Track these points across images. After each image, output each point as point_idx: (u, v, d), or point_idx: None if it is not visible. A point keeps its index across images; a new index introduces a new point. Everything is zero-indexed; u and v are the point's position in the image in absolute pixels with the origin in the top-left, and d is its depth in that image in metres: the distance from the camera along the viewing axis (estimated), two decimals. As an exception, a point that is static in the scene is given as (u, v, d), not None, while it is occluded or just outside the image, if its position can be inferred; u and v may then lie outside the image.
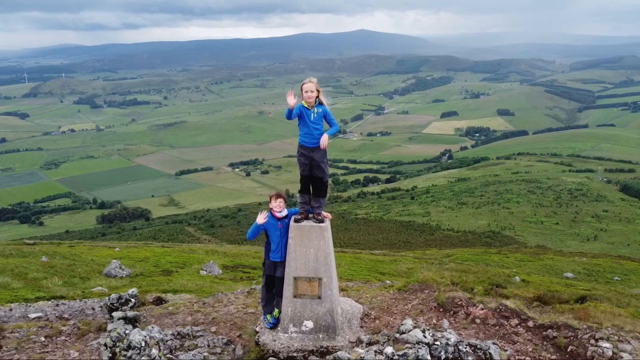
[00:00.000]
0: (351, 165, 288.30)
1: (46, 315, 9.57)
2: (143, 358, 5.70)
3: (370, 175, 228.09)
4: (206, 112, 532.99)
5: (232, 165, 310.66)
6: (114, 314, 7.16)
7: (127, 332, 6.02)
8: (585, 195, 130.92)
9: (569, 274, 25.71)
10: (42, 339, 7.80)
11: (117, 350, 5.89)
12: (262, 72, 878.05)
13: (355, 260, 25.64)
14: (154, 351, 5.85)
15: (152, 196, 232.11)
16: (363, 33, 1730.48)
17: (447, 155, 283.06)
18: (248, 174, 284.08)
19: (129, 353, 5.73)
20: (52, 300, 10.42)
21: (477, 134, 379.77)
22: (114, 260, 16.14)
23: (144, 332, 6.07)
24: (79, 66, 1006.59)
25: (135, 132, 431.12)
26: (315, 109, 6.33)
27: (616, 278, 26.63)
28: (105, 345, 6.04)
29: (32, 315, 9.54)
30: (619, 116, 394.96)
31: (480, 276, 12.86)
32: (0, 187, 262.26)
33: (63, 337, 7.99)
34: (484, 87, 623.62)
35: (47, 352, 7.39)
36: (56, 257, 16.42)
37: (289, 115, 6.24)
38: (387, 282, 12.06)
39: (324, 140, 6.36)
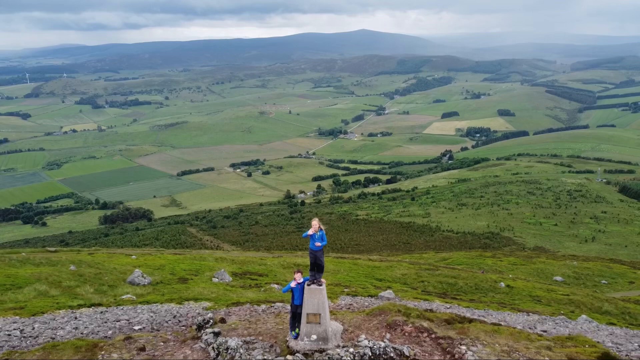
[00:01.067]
0: (352, 166, 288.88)
1: (144, 327, 12.93)
2: (236, 355, 10.31)
3: (371, 176, 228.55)
4: (207, 113, 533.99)
5: (233, 165, 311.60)
6: (207, 329, 11.91)
7: (224, 339, 10.89)
8: (585, 197, 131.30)
9: (559, 278, 26.56)
10: (161, 343, 11.24)
11: (220, 350, 10.58)
12: (263, 72, 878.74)
13: (353, 267, 26.83)
14: (242, 350, 10.50)
15: (154, 197, 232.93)
16: (364, 33, 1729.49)
17: (447, 155, 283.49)
18: (249, 175, 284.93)
19: (229, 351, 10.41)
20: (92, 307, 12.23)
21: (478, 135, 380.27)
22: (136, 270, 17.53)
23: (235, 339, 10.85)
24: (81, 66, 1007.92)
25: (136, 133, 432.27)
26: (318, 233, 11.18)
27: (604, 281, 27.46)
28: (212, 347, 10.73)
29: (137, 327, 12.96)
30: (619, 117, 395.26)
31: (469, 282, 13.75)
32: (2, 188, 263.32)
33: (172, 343, 11.53)
34: (484, 87, 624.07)
35: (169, 351, 10.92)
36: (82, 265, 17.66)
37: (306, 236, 11.28)
38: (366, 306, 16.30)
39: (319, 248, 11.34)
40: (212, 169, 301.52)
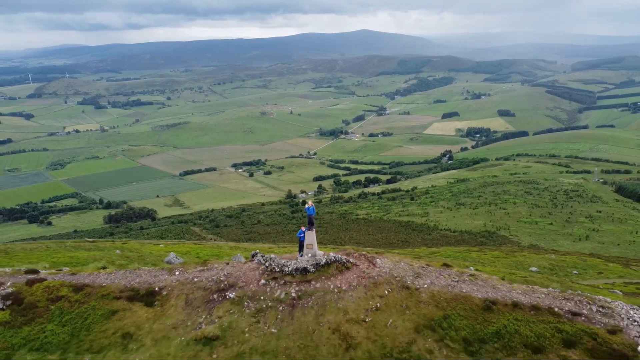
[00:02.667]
0: (352, 166, 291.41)
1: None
2: (274, 262, 17.89)
3: (372, 176, 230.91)
4: (209, 113, 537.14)
5: (235, 165, 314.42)
6: (257, 255, 20.09)
7: (269, 256, 19.11)
8: (581, 196, 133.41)
9: (534, 268, 29.03)
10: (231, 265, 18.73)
11: (267, 260, 18.09)
12: (264, 72, 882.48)
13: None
14: (277, 260, 18.38)
15: (157, 196, 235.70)
16: (365, 33, 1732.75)
17: (447, 156, 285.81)
18: (251, 175, 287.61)
19: (271, 260, 18.33)
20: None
21: (478, 135, 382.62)
22: (171, 252, 21.10)
23: (273, 255, 19.15)
24: (82, 66, 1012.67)
25: (139, 133, 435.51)
26: (312, 206, 20.37)
27: (575, 272, 29.86)
28: (262, 260, 18.38)
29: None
30: (619, 117, 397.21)
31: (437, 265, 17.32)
32: (7, 188, 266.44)
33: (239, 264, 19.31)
34: (485, 87, 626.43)
35: (239, 267, 17.73)
36: (125, 250, 20.78)
37: (306, 209, 20.63)
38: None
39: (312, 213, 20.56)
40: (214, 169, 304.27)
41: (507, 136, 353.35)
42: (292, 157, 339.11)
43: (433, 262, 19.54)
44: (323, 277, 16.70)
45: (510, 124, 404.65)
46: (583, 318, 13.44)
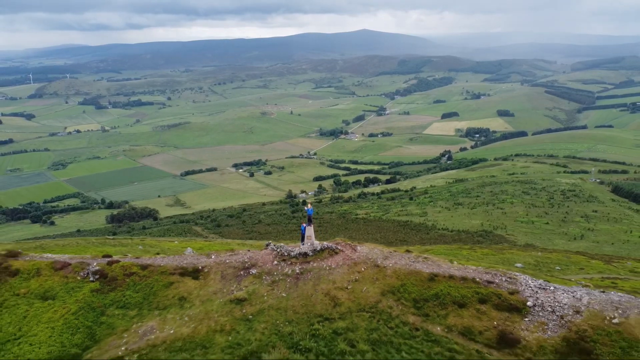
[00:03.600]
0: (352, 166, 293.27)
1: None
2: (284, 248, 23.14)
3: (371, 176, 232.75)
4: (209, 113, 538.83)
5: (235, 165, 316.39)
6: (270, 244, 24.87)
7: (280, 244, 24.48)
8: (578, 196, 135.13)
9: (519, 264, 30.81)
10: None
11: (278, 248, 23.59)
12: (264, 72, 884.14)
13: None
14: (286, 247, 23.95)
15: (159, 196, 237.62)
16: (365, 33, 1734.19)
17: (446, 156, 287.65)
18: (252, 175, 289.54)
19: (282, 247, 23.84)
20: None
21: (477, 135, 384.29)
22: (188, 248, 24.02)
23: (282, 244, 24.90)
24: (83, 66, 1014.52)
25: (140, 133, 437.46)
26: (311, 208, 25.80)
27: (558, 268, 31.62)
28: (275, 247, 23.75)
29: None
30: (617, 117, 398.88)
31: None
32: (10, 188, 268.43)
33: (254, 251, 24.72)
34: (485, 87, 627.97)
35: (254, 253, 23.47)
36: (145, 246, 23.15)
37: (306, 209, 26.24)
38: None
39: (311, 212, 26.16)
40: (214, 169, 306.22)
41: (506, 136, 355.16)
42: (292, 157, 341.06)
43: (400, 249, 25.78)
44: (318, 259, 22.22)
45: (510, 124, 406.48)
46: (494, 285, 19.43)
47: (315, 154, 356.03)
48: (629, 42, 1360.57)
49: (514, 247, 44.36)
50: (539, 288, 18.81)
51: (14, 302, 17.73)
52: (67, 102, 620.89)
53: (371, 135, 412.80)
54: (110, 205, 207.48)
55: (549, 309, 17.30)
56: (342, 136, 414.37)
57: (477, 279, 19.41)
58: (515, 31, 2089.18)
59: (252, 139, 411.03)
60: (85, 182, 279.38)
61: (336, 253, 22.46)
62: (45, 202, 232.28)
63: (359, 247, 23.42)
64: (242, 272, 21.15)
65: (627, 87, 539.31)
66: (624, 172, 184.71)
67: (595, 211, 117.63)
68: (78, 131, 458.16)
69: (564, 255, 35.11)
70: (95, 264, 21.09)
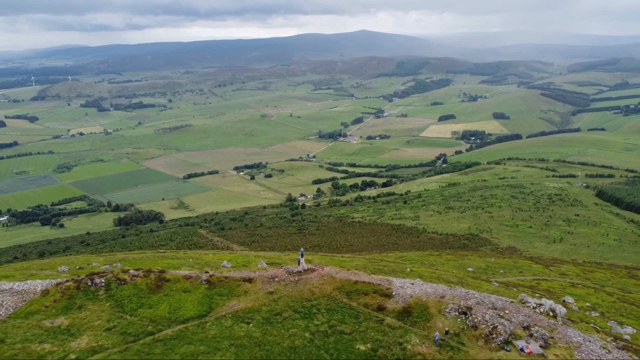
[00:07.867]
0: (350, 169, 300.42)
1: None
2: (289, 267, 37.25)
3: (368, 179, 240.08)
4: (210, 115, 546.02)
5: (237, 168, 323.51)
6: (284, 267, 39.12)
7: (287, 267, 38.96)
8: (563, 200, 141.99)
9: (470, 269, 37.94)
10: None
11: (287, 269, 37.91)
12: (264, 74, 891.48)
13: (330, 261, 42.77)
14: (288, 267, 38.38)
15: (163, 199, 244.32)
16: (364, 34, 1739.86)
17: (442, 159, 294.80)
18: (252, 178, 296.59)
19: (287, 267, 38.80)
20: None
21: (473, 138, 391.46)
22: (224, 260, 33.05)
23: (291, 267, 39.71)
24: (84, 68, 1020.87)
25: (142, 136, 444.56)
26: (301, 253, 39.83)
27: (501, 271, 38.73)
28: (286, 269, 38.16)
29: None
30: (611, 119, 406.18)
31: (390, 268, 25.90)
32: (17, 190, 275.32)
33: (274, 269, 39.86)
34: (482, 89, 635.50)
35: (269, 270, 37.38)
36: (193, 259, 32.11)
37: (301, 251, 41.30)
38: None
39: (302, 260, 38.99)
40: (216, 172, 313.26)
41: (500, 139, 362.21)
42: (292, 159, 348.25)
43: (350, 268, 39.43)
44: (306, 274, 35.97)
45: (505, 127, 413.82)
46: (380, 284, 33.70)
47: (314, 156, 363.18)
48: (627, 42, 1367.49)
49: (475, 254, 51.40)
50: (400, 287, 33.47)
51: (171, 294, 32.70)
52: (69, 105, 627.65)
53: (369, 137, 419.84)
54: (117, 208, 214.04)
55: (401, 295, 32.02)
56: (341, 139, 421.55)
57: (374, 282, 34.39)
58: (514, 31, 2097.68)
59: (253, 142, 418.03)
60: (90, 184, 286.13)
61: (313, 271, 36.70)
62: (52, 204, 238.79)
63: (325, 268, 37.67)
64: (270, 280, 35.72)
65: (621, 89, 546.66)
66: (610, 176, 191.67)
67: (577, 215, 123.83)
68: (81, 134, 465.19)
69: (512, 260, 42.11)
70: (204, 276, 35.57)
